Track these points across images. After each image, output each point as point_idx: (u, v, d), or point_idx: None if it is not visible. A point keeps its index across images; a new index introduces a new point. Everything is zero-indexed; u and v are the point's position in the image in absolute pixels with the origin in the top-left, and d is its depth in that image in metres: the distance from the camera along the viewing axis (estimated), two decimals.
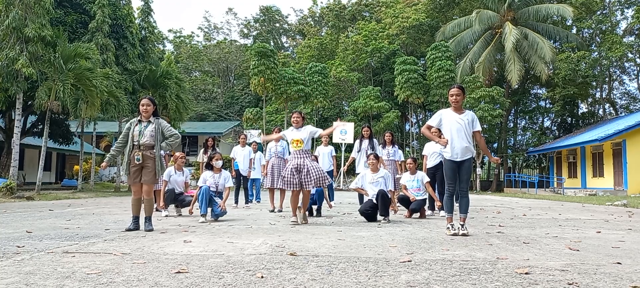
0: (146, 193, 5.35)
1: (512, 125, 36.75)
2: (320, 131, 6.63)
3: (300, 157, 6.23)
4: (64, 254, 3.57)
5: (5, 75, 14.24)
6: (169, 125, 5.64)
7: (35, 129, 22.34)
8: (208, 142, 9.63)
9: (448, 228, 5.13)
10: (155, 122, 5.42)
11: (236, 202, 10.05)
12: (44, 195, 13.76)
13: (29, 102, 17.52)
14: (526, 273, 2.99)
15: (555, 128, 37.31)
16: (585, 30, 34.55)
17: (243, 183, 10.73)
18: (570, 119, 36.18)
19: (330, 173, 10.19)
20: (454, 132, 5.14)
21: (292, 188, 6.22)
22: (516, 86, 32.04)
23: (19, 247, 3.91)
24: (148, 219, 5.33)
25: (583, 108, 36.96)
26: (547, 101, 35.99)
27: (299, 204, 6.31)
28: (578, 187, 25.20)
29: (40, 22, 14.61)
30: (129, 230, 5.16)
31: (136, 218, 5.31)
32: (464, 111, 5.29)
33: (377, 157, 7.13)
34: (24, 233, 4.83)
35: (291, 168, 6.18)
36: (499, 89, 28.38)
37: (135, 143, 5.31)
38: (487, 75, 30.64)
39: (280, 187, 6.46)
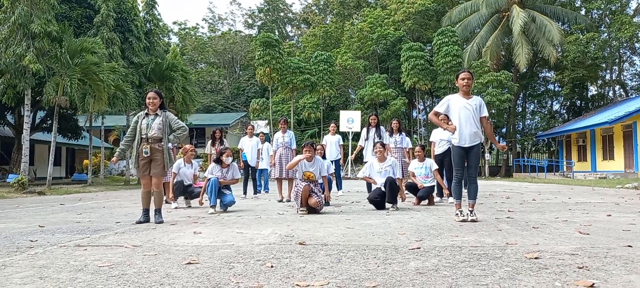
0: (155, 186, 5.39)
1: (520, 109, 36.46)
2: (326, 166, 6.92)
3: (311, 183, 6.31)
4: (76, 247, 3.61)
5: (13, 72, 14.34)
6: (176, 117, 5.66)
7: (44, 125, 22.54)
8: (216, 134, 9.63)
9: (456, 214, 5.12)
10: (163, 114, 5.44)
11: (245, 193, 10.08)
12: (55, 189, 13.92)
13: (38, 98, 17.66)
14: (536, 258, 2.98)
15: (564, 111, 36.97)
16: (595, 11, 34.01)
17: (251, 174, 10.75)
18: (579, 101, 35.81)
19: (337, 162, 10.21)
20: (462, 117, 5.09)
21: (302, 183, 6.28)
22: (524, 70, 31.72)
23: (32, 241, 3.97)
24: (158, 211, 5.38)
25: (593, 90, 36.56)
26: (556, 84, 35.60)
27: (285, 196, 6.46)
28: (588, 170, 25.01)
29: (45, 18, 14.66)
30: (139, 222, 5.22)
31: (146, 211, 5.36)
32: (472, 96, 5.25)
33: (383, 146, 7.11)
34: (36, 228, 4.89)
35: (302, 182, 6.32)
36: (507, 73, 28.11)
37: (143, 136, 5.34)
38: (494, 59, 30.35)
39: (289, 176, 6.47)
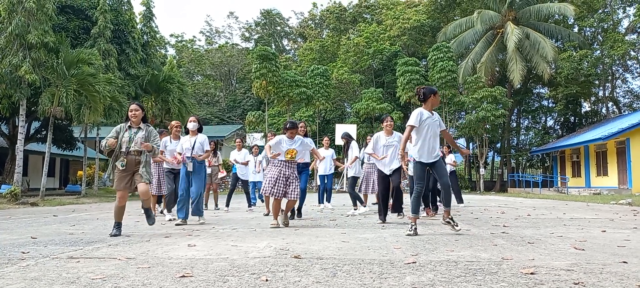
0: (144, 195, 5.28)
1: (515, 125, 36.69)
2: (313, 147, 6.67)
3: (290, 168, 6.23)
4: (68, 260, 3.57)
5: (8, 82, 14.31)
6: (157, 134, 5.56)
7: (38, 135, 22.42)
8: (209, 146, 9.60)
9: (410, 226, 5.18)
10: (146, 128, 5.36)
11: (227, 205, 10.11)
12: (48, 200, 13.80)
13: (33, 108, 17.60)
14: (532, 274, 2.98)
15: (558, 127, 37.24)
16: (587, 28, 34.48)
17: (243, 186, 10.64)
18: (573, 117, 36.09)
19: (330, 176, 10.17)
20: (429, 133, 5.28)
21: (276, 197, 6.16)
22: (518, 86, 32.01)
23: (23, 253, 3.92)
24: (149, 210, 5.48)
25: (586, 107, 36.89)
26: (549, 100, 35.92)
27: (282, 208, 6.36)
28: (582, 186, 25.11)
29: (42, 29, 14.68)
30: (113, 235, 5.09)
31: (119, 224, 5.27)
32: (434, 113, 5.44)
33: (392, 119, 7.02)
34: (28, 239, 4.84)
35: (280, 177, 6.16)
36: (502, 89, 28.35)
37: (123, 149, 5.23)
38: (489, 75, 30.62)
39: (266, 194, 6.31)
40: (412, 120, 5.26)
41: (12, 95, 14.54)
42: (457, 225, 5.31)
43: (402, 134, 6.77)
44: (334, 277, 2.90)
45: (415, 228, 5.15)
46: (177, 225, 6.36)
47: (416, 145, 5.32)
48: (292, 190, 6.18)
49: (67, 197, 17.09)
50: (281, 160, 6.22)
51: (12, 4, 14.13)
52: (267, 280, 2.82)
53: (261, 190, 8.22)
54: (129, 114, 5.35)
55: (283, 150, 6.20)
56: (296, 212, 7.38)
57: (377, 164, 6.91)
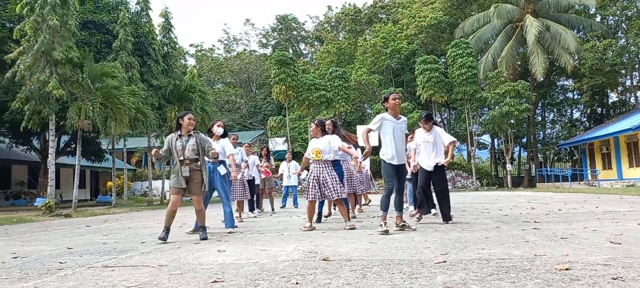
0: (197, 204, 5.51)
1: (540, 118, 35.93)
2: (339, 143, 6.43)
3: (319, 168, 6.20)
4: (103, 268, 3.66)
5: (37, 98, 14.73)
6: (208, 139, 5.72)
7: (68, 149, 23.03)
8: (262, 151, 10.31)
9: (380, 225, 5.33)
10: (195, 135, 5.55)
11: (251, 210, 9.67)
12: (81, 212, 14.17)
13: (61, 123, 18.07)
14: (567, 269, 2.92)
15: (585, 119, 36.28)
16: (610, 17, 33.53)
17: (251, 190, 10.49)
18: (600, 108, 35.13)
19: (294, 187, 10.27)
20: (395, 136, 5.51)
21: (312, 199, 6.19)
22: (541, 79, 31.33)
23: (61, 263, 4.04)
24: (203, 228, 5.55)
25: (613, 97, 35.85)
26: (575, 92, 35.03)
27: (324, 212, 6.36)
28: (614, 178, 24.40)
29: (67, 45, 15.07)
30: (161, 239, 5.28)
31: (168, 229, 5.42)
32: (400, 117, 5.67)
33: (429, 117, 6.60)
34: (65, 250, 4.98)
35: (312, 180, 6.21)
36: (524, 83, 27.80)
37: (180, 158, 5.43)
38: (510, 69, 30.07)
39: (307, 198, 6.32)
40: (371, 124, 5.69)
41: (42, 111, 14.96)
42: (410, 227, 5.61)
43: (440, 128, 6.80)
44: (364, 279, 2.90)
45: (386, 223, 5.35)
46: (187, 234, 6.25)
47: (384, 147, 5.60)
48: (330, 190, 6.10)
49: (98, 208, 17.50)
50: (311, 162, 6.30)
51: (37, 23, 14.56)
52: (297, 283, 2.84)
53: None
54: (186, 121, 5.53)
55: (309, 150, 6.25)
56: (317, 216, 7.07)
57: (419, 161, 6.76)
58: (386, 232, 5.16)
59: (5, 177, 24.83)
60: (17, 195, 24.20)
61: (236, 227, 6.95)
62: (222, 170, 6.36)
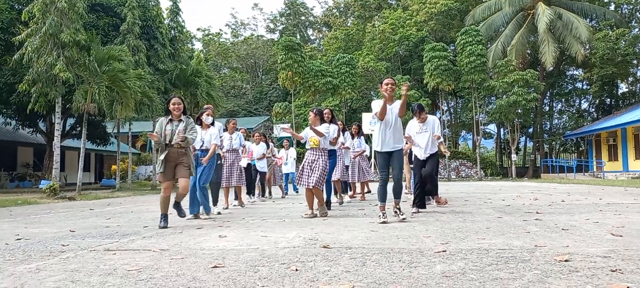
0: (183, 189, 5.46)
1: (547, 108, 35.64)
2: (334, 135, 6.42)
3: (313, 154, 6.24)
4: (105, 252, 3.70)
5: (44, 81, 14.80)
6: (194, 124, 5.66)
7: (74, 132, 23.19)
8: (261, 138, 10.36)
9: (379, 216, 5.30)
10: (186, 120, 5.52)
11: (249, 193, 9.60)
12: (85, 195, 14.30)
13: (67, 106, 18.18)
14: (566, 261, 2.91)
15: (593, 110, 35.95)
16: (624, 6, 33.00)
17: (260, 179, 10.34)
18: (609, 99, 34.76)
19: (347, 167, 10.21)
20: (386, 123, 5.41)
21: (304, 185, 6.20)
22: (551, 68, 31.00)
23: (63, 245, 4.08)
24: (178, 204, 5.55)
25: (623, 88, 35.44)
26: (584, 82, 34.66)
27: (327, 198, 6.38)
28: (619, 170, 24.23)
29: (74, 27, 15.08)
30: (162, 228, 5.22)
31: (166, 216, 5.41)
32: (395, 102, 5.52)
33: (421, 108, 6.69)
34: (67, 233, 5.03)
35: (306, 166, 6.20)
36: (533, 72, 27.54)
37: (167, 142, 5.40)
38: (520, 58, 29.77)
39: (300, 185, 6.34)
40: (373, 111, 5.70)
41: (48, 93, 15.04)
42: (402, 215, 5.44)
43: (436, 118, 6.85)
44: (363, 266, 2.91)
45: (384, 213, 5.30)
46: (188, 220, 6.14)
47: (374, 135, 5.56)
48: (314, 177, 6.08)
49: (102, 191, 17.66)
50: (308, 149, 6.32)
51: (45, 5, 14.56)
52: (296, 269, 2.85)
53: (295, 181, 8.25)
54: (171, 107, 5.48)
55: (308, 138, 6.26)
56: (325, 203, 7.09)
57: (414, 150, 6.78)
58: (385, 222, 5.14)
59: (11, 159, 25.08)
60: (23, 177, 24.48)
61: (219, 213, 6.94)
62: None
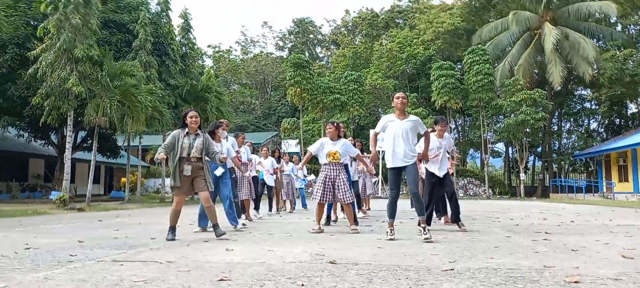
0: (205, 201, 5.46)
1: (556, 128, 35.42)
2: (356, 152, 6.52)
3: (335, 171, 6.20)
4: (113, 263, 3.72)
5: (57, 94, 15.03)
6: (213, 142, 5.73)
7: (85, 144, 23.40)
8: (275, 153, 10.72)
9: (386, 232, 5.27)
10: (203, 135, 5.56)
11: (256, 209, 9.56)
12: (94, 206, 14.38)
13: (79, 119, 18.38)
14: (575, 282, 2.88)
15: (602, 130, 35.65)
16: (632, 26, 32.96)
17: (268, 193, 10.70)
18: (618, 119, 34.49)
19: (355, 183, 10.16)
20: (399, 136, 5.29)
21: (323, 202, 6.20)
22: (559, 88, 30.88)
23: (72, 255, 4.11)
24: (216, 226, 5.45)
25: (632, 108, 35.15)
26: (592, 102, 34.43)
27: (327, 213, 6.34)
28: (630, 191, 23.91)
29: (88, 43, 15.35)
30: (169, 240, 5.21)
31: (173, 229, 5.38)
32: (408, 116, 5.46)
33: (445, 121, 6.77)
34: (76, 243, 5.06)
35: (326, 182, 6.15)
36: (541, 92, 27.45)
37: (184, 156, 5.38)
38: (527, 77, 29.71)
39: (315, 199, 6.34)
40: (377, 126, 5.61)
41: (61, 107, 15.25)
42: (426, 233, 5.14)
43: (449, 135, 6.83)
44: (370, 283, 2.90)
45: (392, 231, 5.26)
46: (195, 232, 6.23)
47: (386, 151, 5.47)
48: (342, 194, 6.11)
49: (111, 203, 17.75)
50: (325, 164, 6.27)
51: (60, 21, 14.86)
52: (302, 285, 2.85)
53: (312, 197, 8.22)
54: (188, 120, 5.49)
55: (325, 153, 6.24)
56: (325, 219, 7.15)
57: (429, 167, 6.66)
58: (392, 239, 5.10)
59: (23, 170, 25.34)
60: (33, 187, 24.68)
61: (244, 225, 7.04)
62: (218, 171, 6.43)
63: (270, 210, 10.59)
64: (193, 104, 22.20)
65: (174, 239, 5.28)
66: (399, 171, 5.36)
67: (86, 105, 16.18)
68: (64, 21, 14.84)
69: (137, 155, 22.83)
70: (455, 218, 6.49)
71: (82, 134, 23.49)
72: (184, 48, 24.71)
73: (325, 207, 6.68)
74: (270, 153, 10.62)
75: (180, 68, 23.15)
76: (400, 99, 5.39)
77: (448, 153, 6.76)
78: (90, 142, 21.72)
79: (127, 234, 6.12)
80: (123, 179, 28.52)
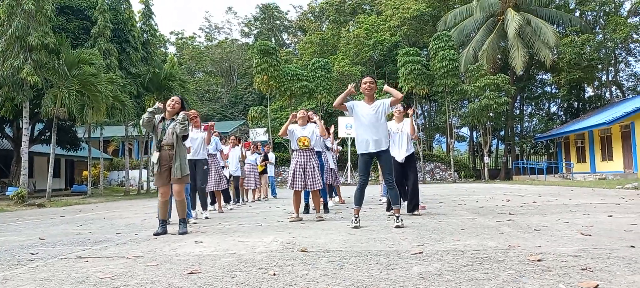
0: (177, 195, 5.19)
1: (518, 112, 36.55)
2: (318, 131, 6.40)
3: (306, 157, 6.15)
4: (77, 259, 3.59)
5: (10, 85, 14.33)
6: (186, 117, 5.29)
7: (43, 137, 22.48)
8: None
9: (352, 220, 5.20)
10: (178, 117, 5.20)
11: (227, 201, 9.45)
12: (55, 201, 13.88)
13: (36, 110, 17.64)
14: (539, 260, 2.98)
15: (562, 113, 37.07)
16: (589, 12, 34.19)
17: (234, 182, 10.49)
18: (577, 103, 35.92)
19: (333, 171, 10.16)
20: (367, 124, 5.14)
21: (299, 188, 6.11)
22: (521, 73, 31.83)
23: (32, 254, 3.95)
24: (183, 221, 5.18)
25: (589, 92, 36.68)
26: (552, 86, 35.69)
27: (306, 202, 6.30)
28: (587, 171, 25.05)
29: (42, 30, 14.67)
30: (157, 234, 4.98)
31: (164, 222, 5.15)
32: (375, 101, 5.30)
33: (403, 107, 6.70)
34: (37, 241, 4.87)
35: (298, 169, 6.09)
36: (504, 77, 28.20)
37: (158, 140, 5.15)
38: (491, 62, 30.46)
39: (292, 188, 6.25)
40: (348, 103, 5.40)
41: (15, 98, 14.57)
42: (399, 221, 5.04)
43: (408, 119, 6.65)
44: (341, 269, 2.91)
45: (357, 218, 5.18)
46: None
47: (356, 136, 5.35)
48: (313, 180, 6.04)
49: (73, 198, 17.18)
50: (295, 150, 6.21)
51: (11, 7, 14.13)
52: (274, 274, 2.83)
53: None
54: (169, 103, 5.24)
55: (295, 139, 6.19)
56: (323, 207, 7.06)
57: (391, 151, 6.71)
58: (357, 227, 5.02)
59: None
60: None
61: (198, 217, 6.90)
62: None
63: (237, 200, 10.48)
64: (156, 92, 21.67)
65: (165, 232, 5.04)
66: (369, 157, 5.24)
67: (43, 96, 15.52)
68: (16, 7, 14.13)
69: (99, 147, 22.15)
70: (412, 208, 6.36)
71: (39, 126, 22.55)
72: (145, 35, 24.01)
73: (303, 194, 6.61)
74: (238, 143, 10.53)
75: (142, 56, 22.51)
76: (368, 83, 5.27)
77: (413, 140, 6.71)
78: (48, 134, 20.88)
79: (91, 229, 5.93)
80: (85, 172, 27.64)
